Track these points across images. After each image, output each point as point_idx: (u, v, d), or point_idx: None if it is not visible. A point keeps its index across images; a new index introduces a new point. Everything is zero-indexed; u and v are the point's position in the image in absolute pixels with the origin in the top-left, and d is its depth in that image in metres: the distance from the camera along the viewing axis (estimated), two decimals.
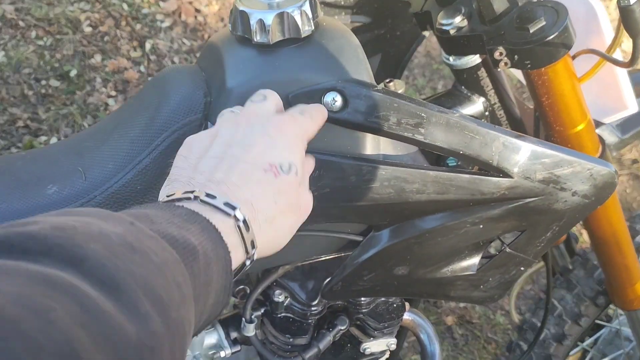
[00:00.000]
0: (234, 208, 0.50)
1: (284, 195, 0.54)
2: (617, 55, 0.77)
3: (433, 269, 0.76)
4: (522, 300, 1.88)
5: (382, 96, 0.64)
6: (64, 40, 2.30)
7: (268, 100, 0.59)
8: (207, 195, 0.50)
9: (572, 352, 1.31)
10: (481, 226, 0.71)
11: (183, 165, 0.55)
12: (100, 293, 0.35)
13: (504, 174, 0.66)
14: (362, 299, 0.85)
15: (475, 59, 0.86)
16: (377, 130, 0.65)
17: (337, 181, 0.66)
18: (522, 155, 0.66)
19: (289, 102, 0.64)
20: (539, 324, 1.26)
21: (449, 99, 0.90)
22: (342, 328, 0.86)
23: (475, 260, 0.77)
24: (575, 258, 1.26)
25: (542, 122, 0.82)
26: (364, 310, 0.86)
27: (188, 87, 0.69)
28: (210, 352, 0.85)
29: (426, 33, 0.94)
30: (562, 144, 0.79)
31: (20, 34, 2.30)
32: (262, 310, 0.84)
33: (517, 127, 0.92)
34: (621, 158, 2.23)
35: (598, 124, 0.90)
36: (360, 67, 0.67)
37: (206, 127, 0.69)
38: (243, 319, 0.83)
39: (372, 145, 0.68)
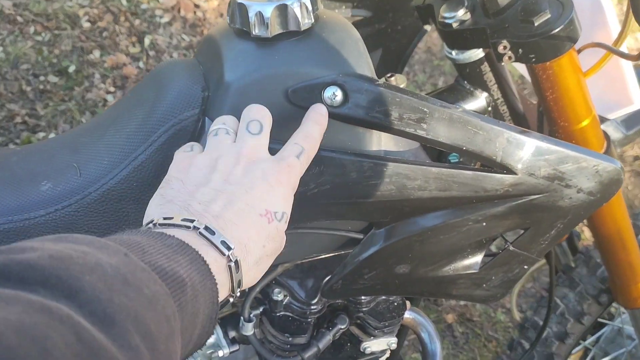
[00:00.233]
0: (229, 248, 0.52)
1: (272, 240, 0.57)
2: (623, 49, 0.76)
3: (435, 268, 0.75)
4: (523, 298, 1.88)
5: (383, 91, 0.62)
6: (63, 36, 2.29)
7: (264, 131, 0.60)
8: (206, 228, 0.52)
9: (573, 351, 1.30)
10: (484, 224, 0.69)
11: (179, 188, 0.57)
12: (93, 325, 0.37)
13: (508, 170, 0.65)
14: (363, 297, 0.84)
15: (478, 53, 0.85)
16: (379, 126, 0.64)
17: (338, 177, 0.65)
18: (526, 151, 0.64)
19: (288, 97, 0.63)
20: (541, 322, 1.25)
21: (452, 94, 0.88)
22: (342, 327, 0.86)
23: (477, 258, 0.76)
24: (578, 256, 1.26)
25: (546, 118, 0.81)
26: (364, 309, 0.85)
27: (185, 81, 0.68)
28: (209, 352, 0.84)
29: (428, 27, 0.93)
30: (566, 140, 0.78)
31: (18, 30, 2.28)
32: (261, 309, 0.84)
33: (520, 122, 0.91)
34: (623, 155, 2.22)
35: (602, 119, 0.89)
36: (361, 61, 0.65)
37: (203, 123, 0.67)
38: (241, 317, 0.82)
39: (373, 141, 0.66)
